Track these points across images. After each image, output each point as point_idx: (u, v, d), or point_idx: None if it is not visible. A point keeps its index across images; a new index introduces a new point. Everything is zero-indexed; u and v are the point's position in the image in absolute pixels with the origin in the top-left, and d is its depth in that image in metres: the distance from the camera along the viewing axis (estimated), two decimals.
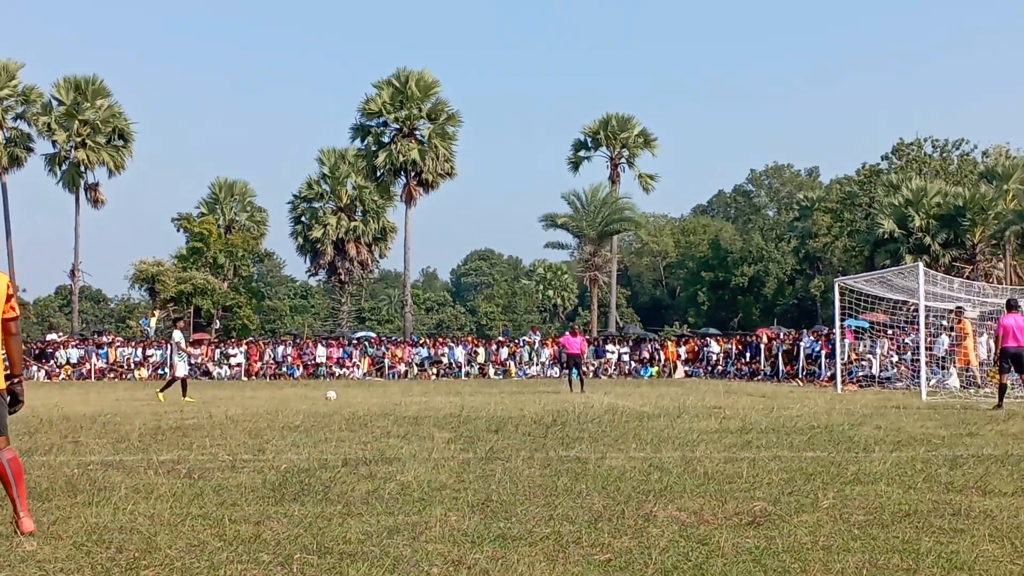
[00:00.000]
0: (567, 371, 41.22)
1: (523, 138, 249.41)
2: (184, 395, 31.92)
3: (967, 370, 34.87)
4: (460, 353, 64.80)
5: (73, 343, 66.43)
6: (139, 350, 65.30)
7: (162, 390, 32.78)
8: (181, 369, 33.27)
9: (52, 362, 63.48)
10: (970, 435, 16.76)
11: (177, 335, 33.94)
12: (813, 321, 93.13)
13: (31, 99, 75.27)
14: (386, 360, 64.16)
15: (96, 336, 74.15)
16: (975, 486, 10.63)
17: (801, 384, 45.24)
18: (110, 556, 7.31)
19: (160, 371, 62.78)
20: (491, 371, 63.55)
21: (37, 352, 64.76)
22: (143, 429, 18.64)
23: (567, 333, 40.82)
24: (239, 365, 63.66)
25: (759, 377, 54.25)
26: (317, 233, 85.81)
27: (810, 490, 10.30)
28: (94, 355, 63.82)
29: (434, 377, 61.71)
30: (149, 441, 16.22)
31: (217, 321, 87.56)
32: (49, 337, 72.35)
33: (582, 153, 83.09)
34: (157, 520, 8.73)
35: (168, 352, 37.38)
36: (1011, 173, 76.54)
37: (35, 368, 62.55)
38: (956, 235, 71.35)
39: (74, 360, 63.43)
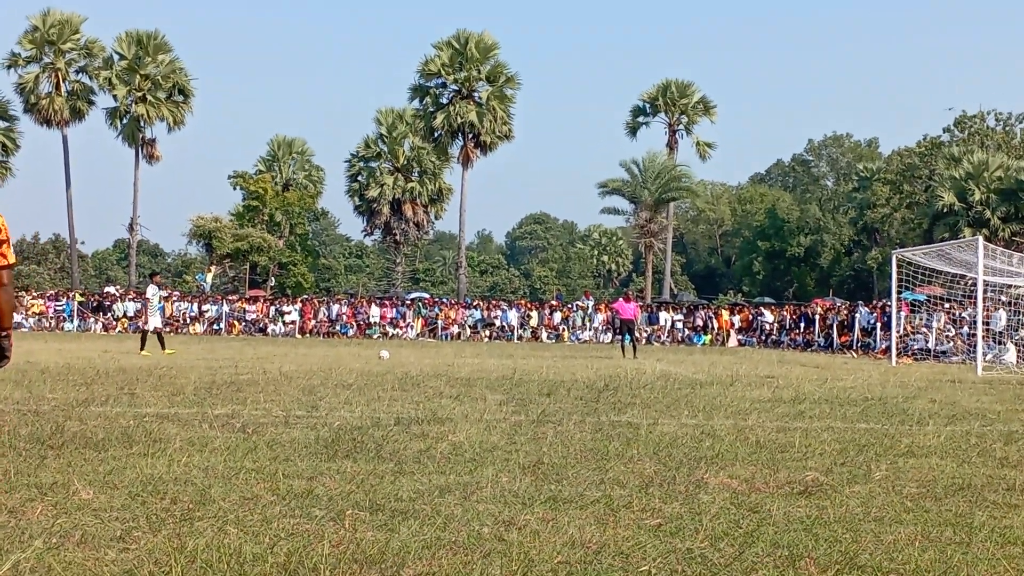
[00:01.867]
0: (620, 337, 41.22)
1: (581, 102, 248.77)
2: (142, 349, 32.24)
3: None
4: (513, 316, 64.90)
5: (130, 296, 66.99)
6: (195, 305, 65.85)
7: (162, 346, 32.92)
8: (153, 322, 33.64)
9: (109, 315, 64.08)
10: None
11: (152, 289, 34.29)
12: (869, 293, 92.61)
13: (93, 53, 75.85)
14: (439, 321, 64.42)
15: (167, 289, 74.82)
16: None
17: (855, 356, 45.00)
18: (164, 507, 7.38)
19: (215, 326, 63.35)
20: (544, 335, 63.63)
21: (95, 305, 65.38)
22: (198, 383, 18.78)
23: (621, 299, 40.81)
24: (293, 322, 64.09)
25: (813, 348, 54.00)
26: (373, 193, 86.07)
27: (863, 461, 10.24)
28: (162, 310, 64.27)
29: (487, 339, 61.87)
30: (204, 395, 16.34)
31: (272, 278, 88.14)
32: (107, 290, 73.02)
33: (640, 119, 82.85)
34: (211, 473, 8.80)
35: (143, 305, 37.79)
36: None
37: (92, 320, 63.22)
38: (1017, 209, 70.55)
39: (131, 313, 63.95)
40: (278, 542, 6.41)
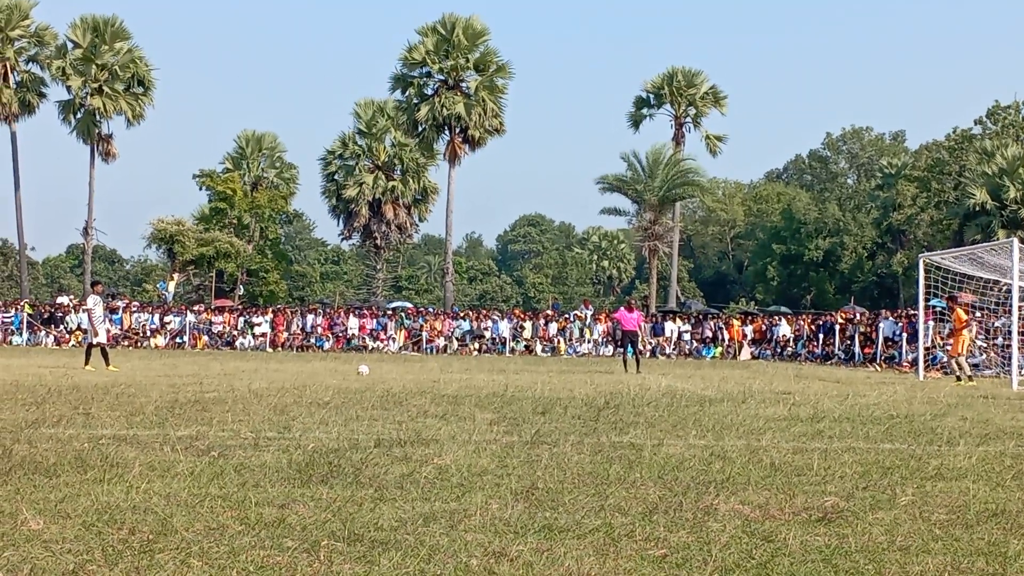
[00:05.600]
0: (622, 349, 41.24)
1: (579, 93, 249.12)
2: (86, 364, 32.30)
3: None
4: (505, 327, 64.85)
5: (85, 307, 66.76)
6: (156, 316, 65.73)
7: (106, 362, 32.78)
8: (101, 335, 33.70)
9: (62, 327, 63.93)
10: None
11: (92, 299, 34.40)
12: (894, 300, 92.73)
13: (45, 40, 75.77)
14: (424, 333, 64.37)
15: (110, 300, 74.71)
16: None
17: (879, 370, 45.03)
18: (122, 537, 7.37)
19: (179, 339, 63.26)
20: (538, 348, 63.62)
21: (46, 316, 65.24)
22: (159, 402, 18.77)
23: (623, 308, 40.81)
24: (264, 335, 64.00)
25: (833, 361, 54.05)
26: (352, 193, 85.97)
27: (887, 485, 10.26)
28: (107, 320, 64.18)
29: (476, 353, 61.83)
30: (166, 415, 16.33)
31: (241, 287, 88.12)
32: (59, 300, 72.76)
33: (644, 111, 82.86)
34: (173, 500, 8.79)
35: (85, 318, 38.01)
36: None
37: (43, 333, 63.07)
38: None
39: (85, 325, 63.73)
40: None
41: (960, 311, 33.58)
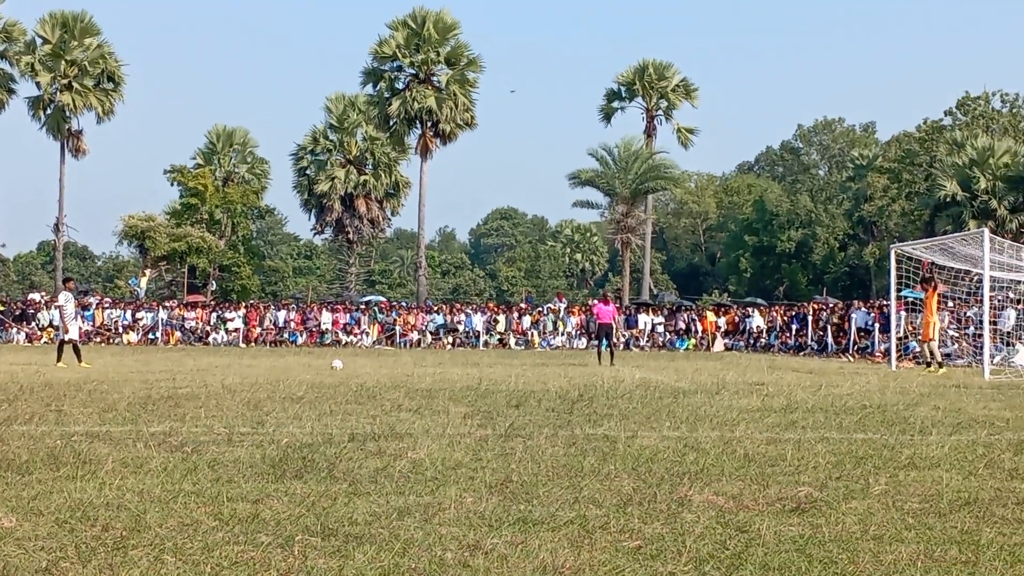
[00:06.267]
0: (596, 342, 41.26)
1: (551, 86, 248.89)
2: (58, 360, 32.09)
3: None
4: (478, 321, 64.85)
5: (56, 304, 66.51)
6: (128, 312, 65.48)
7: (78, 358, 32.64)
8: (71, 331, 33.54)
9: (33, 324, 63.65)
10: None
11: (64, 296, 34.26)
12: (866, 291, 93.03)
13: (13, 36, 75.32)
14: (397, 327, 64.32)
15: (82, 296, 74.38)
16: None
17: (852, 360, 45.18)
18: (95, 534, 7.33)
19: (151, 335, 63.05)
20: (512, 341, 63.62)
21: (18, 313, 64.92)
22: (132, 398, 18.69)
23: (599, 301, 40.83)
24: (237, 330, 63.86)
25: (805, 352, 54.21)
26: (323, 187, 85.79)
27: (860, 475, 10.28)
28: (79, 317, 63.93)
29: (450, 347, 61.82)
30: (139, 411, 16.26)
31: (213, 282, 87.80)
32: (31, 297, 72.42)
33: (615, 104, 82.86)
34: (147, 496, 8.75)
35: (57, 315, 38.06)
36: None
37: (15, 330, 62.76)
38: None
39: (57, 322, 63.47)
40: (221, 572, 6.38)
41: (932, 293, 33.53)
